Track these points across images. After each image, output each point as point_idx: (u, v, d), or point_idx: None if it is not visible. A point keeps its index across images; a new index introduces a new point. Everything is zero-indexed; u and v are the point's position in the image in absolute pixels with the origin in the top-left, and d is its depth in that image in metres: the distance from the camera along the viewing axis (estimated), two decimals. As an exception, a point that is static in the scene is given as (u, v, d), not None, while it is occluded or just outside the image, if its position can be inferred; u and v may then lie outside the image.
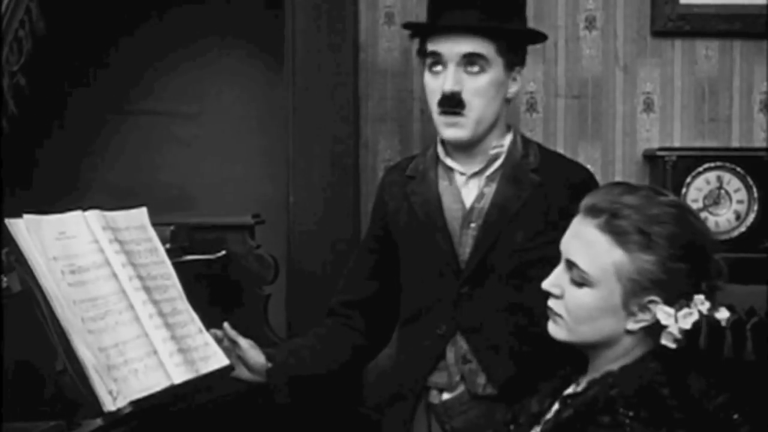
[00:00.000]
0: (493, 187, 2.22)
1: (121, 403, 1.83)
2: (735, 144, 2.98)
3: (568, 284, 1.79)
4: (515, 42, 2.23)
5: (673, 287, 1.73)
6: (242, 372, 2.25)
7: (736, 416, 1.75)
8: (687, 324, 1.72)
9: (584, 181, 2.23)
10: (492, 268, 2.19)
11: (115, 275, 1.99)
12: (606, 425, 1.67)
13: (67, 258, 1.91)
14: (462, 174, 2.25)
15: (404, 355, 2.32)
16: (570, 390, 1.84)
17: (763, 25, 2.92)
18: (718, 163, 2.85)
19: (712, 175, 2.85)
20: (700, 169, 2.84)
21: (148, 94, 3.87)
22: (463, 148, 2.25)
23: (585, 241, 1.77)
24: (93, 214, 2.03)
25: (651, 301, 1.73)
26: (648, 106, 2.98)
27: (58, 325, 1.83)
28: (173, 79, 3.84)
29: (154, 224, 2.19)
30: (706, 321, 1.74)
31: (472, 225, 2.21)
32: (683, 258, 1.73)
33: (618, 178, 2.97)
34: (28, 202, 2.13)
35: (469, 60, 2.17)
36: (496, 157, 2.24)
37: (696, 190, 2.84)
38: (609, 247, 1.74)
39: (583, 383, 1.82)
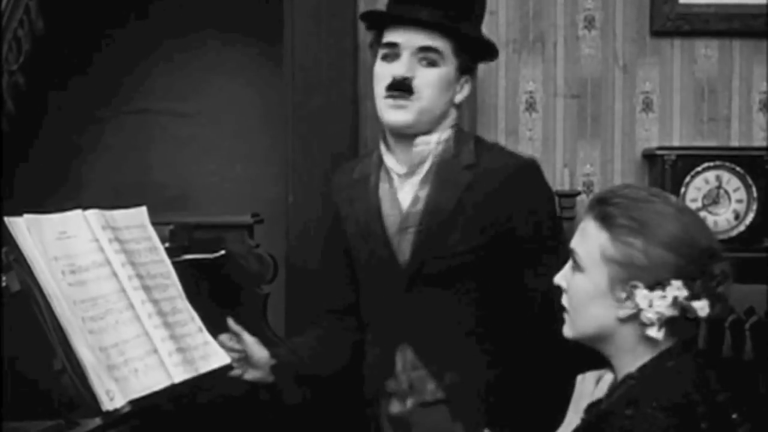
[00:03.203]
0: (427, 189, 2.21)
1: (120, 402, 1.83)
2: (734, 143, 2.98)
3: (570, 275, 1.82)
4: (469, 49, 2.24)
5: (656, 275, 1.73)
6: (247, 373, 2.24)
7: (735, 416, 1.75)
8: (661, 307, 1.73)
9: (522, 178, 2.22)
10: (431, 274, 2.18)
11: (114, 274, 1.99)
12: (630, 416, 1.69)
13: (67, 258, 1.91)
14: (399, 175, 2.24)
15: (365, 362, 2.32)
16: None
17: (763, 25, 2.92)
18: (718, 163, 2.85)
19: (711, 175, 2.85)
20: (699, 168, 2.84)
21: (148, 93, 3.88)
22: (403, 142, 2.23)
23: (581, 230, 1.82)
24: (93, 214, 2.03)
25: (633, 286, 1.74)
26: (647, 106, 2.98)
27: (56, 324, 1.83)
28: (172, 78, 3.85)
29: (154, 223, 2.19)
30: (684, 311, 1.74)
31: (410, 230, 2.20)
32: (670, 248, 1.73)
33: (617, 178, 2.97)
34: (25, 201, 2.13)
35: (424, 53, 2.18)
36: (423, 158, 2.23)
37: (695, 190, 2.84)
38: (597, 231, 1.78)
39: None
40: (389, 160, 2.26)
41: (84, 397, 1.81)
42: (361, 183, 2.29)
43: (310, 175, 2.89)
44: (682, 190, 2.83)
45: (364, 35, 2.97)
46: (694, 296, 1.73)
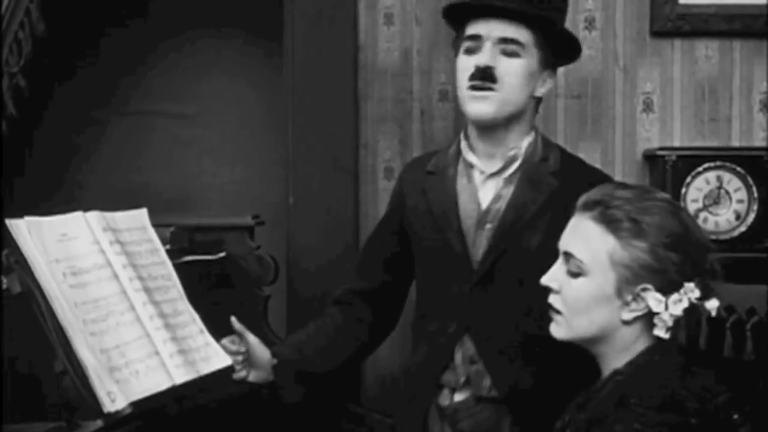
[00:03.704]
0: (511, 189, 2.22)
1: (121, 404, 1.83)
2: (735, 144, 2.98)
3: (565, 277, 1.82)
4: (552, 41, 2.24)
5: (665, 276, 1.75)
6: (249, 374, 2.24)
7: (736, 416, 1.75)
8: (677, 310, 1.75)
9: None
10: (504, 271, 2.19)
11: (116, 276, 1.99)
12: (621, 419, 1.69)
13: (68, 260, 1.91)
14: (482, 172, 2.25)
15: (419, 353, 2.31)
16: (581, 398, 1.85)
17: (763, 25, 2.92)
18: (718, 163, 2.84)
19: (712, 175, 2.85)
20: (700, 168, 2.84)
21: (148, 95, 3.88)
22: (488, 140, 2.24)
23: (580, 233, 1.82)
24: (94, 216, 2.03)
25: (643, 289, 1.76)
26: (648, 106, 2.98)
27: (57, 326, 1.83)
28: (173, 79, 3.85)
29: (154, 225, 2.19)
30: (695, 312, 1.76)
31: (488, 226, 2.21)
32: (674, 248, 1.76)
33: (618, 178, 2.96)
34: (25, 202, 2.13)
35: (506, 44, 2.19)
36: (514, 159, 2.24)
37: (696, 190, 2.84)
38: (602, 235, 1.78)
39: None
40: (472, 157, 2.27)
41: (85, 399, 1.81)
42: (437, 175, 2.30)
43: (310, 177, 2.89)
44: (683, 190, 2.83)
45: (364, 36, 2.98)
46: (705, 296, 1.75)
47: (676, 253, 1.75)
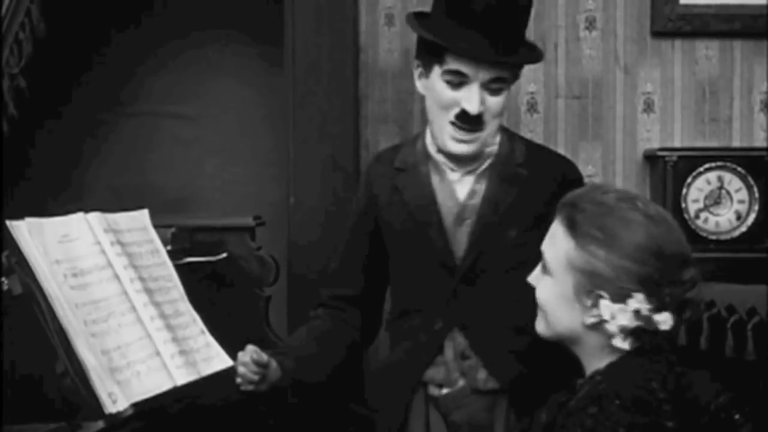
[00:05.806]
0: (484, 183, 2.24)
1: (123, 405, 1.83)
2: (735, 144, 2.98)
3: (540, 275, 1.83)
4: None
5: (620, 286, 1.71)
6: (260, 387, 2.19)
7: (737, 416, 1.75)
8: (623, 320, 1.72)
9: (568, 174, 2.28)
10: (487, 265, 2.21)
11: (117, 277, 1.99)
12: (593, 415, 1.68)
13: (69, 261, 1.91)
14: (453, 170, 2.26)
15: (399, 349, 2.32)
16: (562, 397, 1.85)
17: (763, 25, 2.92)
18: (719, 163, 2.85)
19: (712, 175, 2.85)
20: (701, 169, 2.84)
21: (149, 96, 3.87)
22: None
23: (550, 233, 1.81)
24: (95, 217, 2.03)
25: (599, 296, 1.73)
26: (648, 107, 2.98)
27: (59, 327, 1.83)
28: (174, 80, 3.84)
29: (155, 226, 2.19)
30: (651, 323, 1.73)
31: (467, 222, 2.23)
32: (633, 260, 1.71)
33: (618, 179, 2.97)
34: (26, 204, 2.13)
35: (493, 83, 2.16)
36: (488, 156, 2.26)
37: (697, 190, 2.84)
38: (564, 237, 1.77)
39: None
40: (442, 158, 2.26)
41: (86, 400, 1.82)
42: (409, 173, 2.29)
43: (311, 177, 2.89)
44: (684, 191, 2.83)
45: (365, 37, 2.98)
46: (657, 308, 1.71)
47: (636, 264, 1.70)
